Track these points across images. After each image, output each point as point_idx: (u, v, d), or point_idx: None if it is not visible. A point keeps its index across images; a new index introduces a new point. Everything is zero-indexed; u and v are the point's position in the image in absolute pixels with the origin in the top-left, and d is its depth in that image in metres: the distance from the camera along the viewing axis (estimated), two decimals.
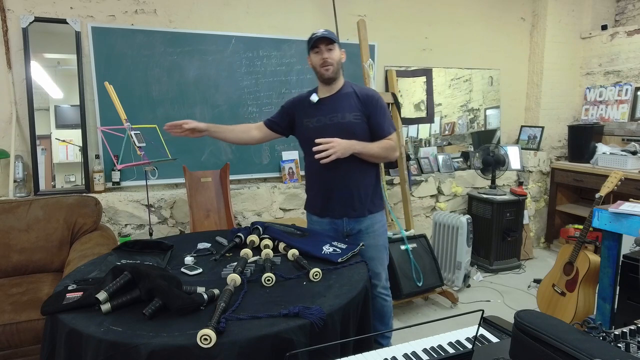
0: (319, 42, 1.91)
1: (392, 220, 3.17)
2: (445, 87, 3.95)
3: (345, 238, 2.08)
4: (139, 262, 1.57)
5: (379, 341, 2.23)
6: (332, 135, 1.90)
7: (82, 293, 1.32)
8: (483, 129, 4.17)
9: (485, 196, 3.61)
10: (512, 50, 4.29)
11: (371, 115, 1.97)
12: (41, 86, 2.74)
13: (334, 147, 1.84)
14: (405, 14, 3.77)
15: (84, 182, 2.84)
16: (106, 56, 2.83)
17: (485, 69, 4.12)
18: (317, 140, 1.85)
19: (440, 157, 3.90)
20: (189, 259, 1.66)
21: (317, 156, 1.84)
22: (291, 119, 2.10)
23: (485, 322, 1.12)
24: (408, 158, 3.66)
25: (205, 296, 1.28)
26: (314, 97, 2.01)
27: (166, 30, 2.97)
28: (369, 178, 2.05)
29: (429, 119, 3.92)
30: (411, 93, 3.83)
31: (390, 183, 3.53)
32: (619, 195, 3.00)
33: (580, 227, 3.63)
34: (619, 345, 0.88)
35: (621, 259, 2.16)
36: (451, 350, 1.01)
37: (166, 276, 1.30)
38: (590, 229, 2.37)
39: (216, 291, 1.32)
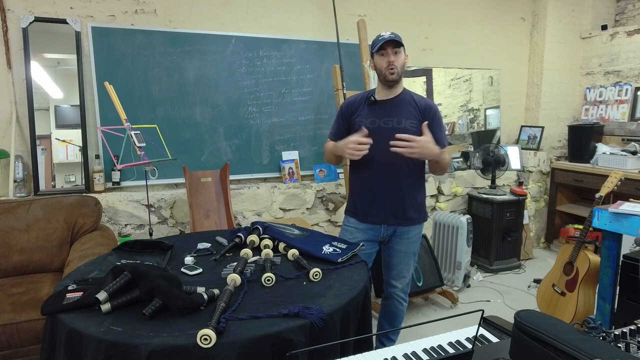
0: (387, 44, 1.85)
1: None
2: (445, 87, 3.95)
3: (378, 244, 2.08)
4: (139, 262, 1.57)
5: (383, 342, 2.23)
6: (385, 139, 1.86)
7: (82, 293, 1.31)
8: (483, 129, 4.17)
9: (485, 196, 3.61)
10: (512, 50, 4.29)
11: (428, 126, 1.94)
12: (41, 86, 2.74)
13: (415, 147, 1.76)
14: (405, 14, 3.77)
15: (84, 182, 2.84)
16: (106, 56, 2.83)
17: (485, 69, 4.12)
18: (400, 136, 1.77)
19: None
20: (189, 259, 1.66)
21: (393, 143, 1.75)
22: (348, 120, 2.03)
23: (485, 322, 1.12)
24: None
25: (205, 296, 1.28)
26: (373, 97, 1.97)
27: (166, 30, 2.97)
28: (416, 187, 2.01)
29: None
30: None
31: None
32: (619, 195, 3.00)
33: (580, 227, 3.63)
34: (619, 345, 0.88)
35: (621, 259, 2.16)
36: (451, 350, 1.00)
37: (166, 276, 1.30)
38: (590, 229, 2.37)
39: (216, 291, 1.32)
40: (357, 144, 1.81)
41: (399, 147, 1.76)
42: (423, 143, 1.77)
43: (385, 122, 1.93)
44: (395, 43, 1.86)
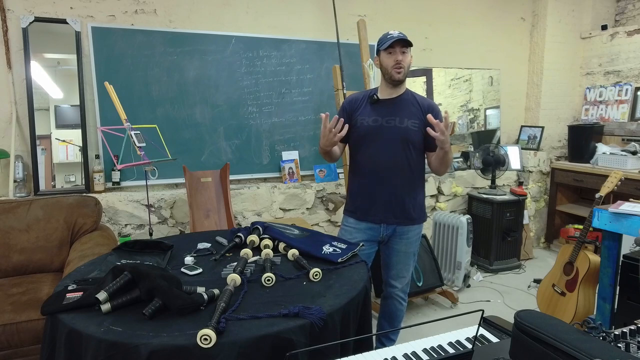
0: (396, 43, 1.85)
1: None
2: (445, 87, 3.95)
3: (378, 244, 2.08)
4: (139, 262, 1.57)
5: (383, 342, 2.23)
6: (387, 138, 1.87)
7: (82, 293, 1.31)
8: (483, 129, 4.17)
9: (485, 196, 3.61)
10: (512, 50, 4.29)
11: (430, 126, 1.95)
12: (41, 86, 2.74)
13: (446, 134, 1.75)
14: (405, 14, 3.77)
15: (84, 182, 2.84)
16: (106, 56, 2.83)
17: (485, 69, 4.12)
18: (444, 120, 1.74)
19: None
20: (189, 259, 1.66)
21: (434, 132, 1.74)
22: (350, 117, 2.01)
23: (485, 322, 1.12)
24: None
25: (205, 296, 1.28)
26: (376, 96, 1.97)
27: (166, 30, 2.97)
28: (416, 187, 2.01)
29: None
30: None
31: None
32: (619, 195, 3.00)
33: (580, 227, 3.63)
34: (619, 345, 0.88)
35: (621, 259, 2.16)
36: (451, 350, 1.00)
37: (166, 276, 1.30)
38: (590, 229, 2.37)
39: (216, 291, 1.32)
40: (330, 130, 1.79)
41: (436, 133, 1.74)
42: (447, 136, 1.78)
43: (388, 121, 1.93)
44: (404, 42, 1.86)
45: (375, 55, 2.00)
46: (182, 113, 3.05)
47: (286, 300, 1.32)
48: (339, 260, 1.63)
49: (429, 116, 1.75)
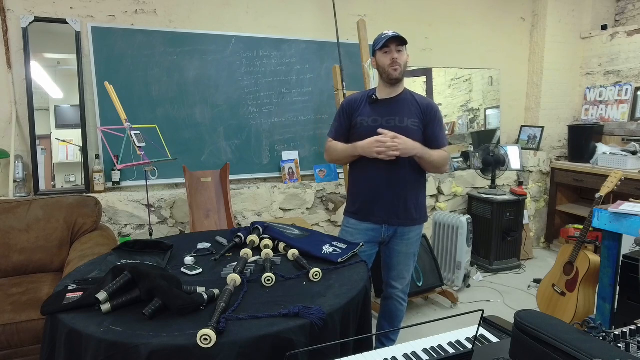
0: (390, 42, 1.86)
1: None
2: (445, 87, 3.95)
3: (379, 245, 2.08)
4: (139, 262, 1.57)
5: (383, 342, 2.23)
6: None
7: (82, 293, 1.31)
8: (483, 129, 4.16)
9: (485, 196, 3.61)
10: (512, 50, 4.29)
11: (429, 125, 1.95)
12: (41, 86, 2.74)
13: (399, 144, 1.79)
14: (405, 14, 3.77)
15: (84, 182, 2.84)
16: (106, 56, 2.83)
17: (485, 69, 4.12)
18: (381, 130, 1.81)
19: None
20: (189, 259, 1.66)
21: (376, 150, 1.81)
22: (350, 119, 2.03)
23: (485, 322, 1.12)
24: None
25: (205, 296, 1.28)
26: (375, 96, 1.97)
27: (166, 30, 2.97)
28: (418, 187, 2.02)
29: None
30: None
31: None
32: (619, 195, 3.00)
33: (580, 227, 3.63)
34: (619, 345, 0.88)
35: (621, 259, 2.16)
36: (451, 350, 1.00)
37: (166, 276, 1.30)
38: (590, 229, 2.37)
39: (216, 291, 1.32)
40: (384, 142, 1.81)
41: (384, 150, 1.80)
42: (402, 140, 1.82)
43: (388, 121, 1.93)
44: (399, 41, 1.86)
45: (371, 56, 2.00)
46: (182, 113, 3.05)
47: (286, 300, 1.32)
48: (339, 260, 1.63)
49: (380, 131, 1.82)
